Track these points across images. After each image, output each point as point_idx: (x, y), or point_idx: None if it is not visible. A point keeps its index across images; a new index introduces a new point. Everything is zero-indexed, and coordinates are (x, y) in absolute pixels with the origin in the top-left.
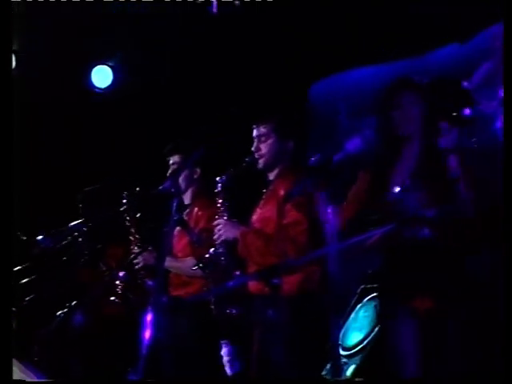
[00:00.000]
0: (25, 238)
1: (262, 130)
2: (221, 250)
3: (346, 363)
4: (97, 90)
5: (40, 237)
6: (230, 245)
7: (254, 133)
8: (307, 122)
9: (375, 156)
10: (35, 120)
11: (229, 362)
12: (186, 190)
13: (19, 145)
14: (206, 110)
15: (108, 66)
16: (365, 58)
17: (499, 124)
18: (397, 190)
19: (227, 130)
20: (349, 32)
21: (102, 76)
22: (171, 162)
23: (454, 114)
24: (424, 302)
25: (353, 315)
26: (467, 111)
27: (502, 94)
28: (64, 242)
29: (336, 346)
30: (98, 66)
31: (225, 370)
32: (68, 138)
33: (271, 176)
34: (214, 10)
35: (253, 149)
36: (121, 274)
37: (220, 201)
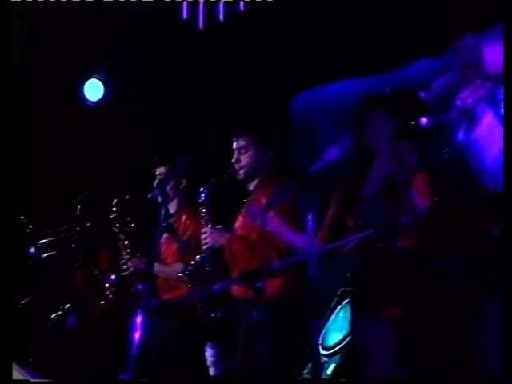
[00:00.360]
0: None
1: (242, 142)
2: (207, 257)
3: (326, 362)
4: (88, 103)
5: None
6: (216, 251)
7: (234, 145)
8: (289, 133)
9: (350, 166)
10: (31, 130)
11: (213, 363)
12: (172, 199)
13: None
14: (190, 121)
15: (99, 79)
16: (345, 71)
17: (459, 134)
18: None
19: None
20: (330, 46)
21: (93, 90)
22: (157, 172)
23: (412, 122)
24: (394, 309)
25: (333, 316)
26: (424, 120)
27: (459, 104)
28: (52, 252)
29: (316, 346)
30: (90, 80)
31: (209, 371)
32: (62, 147)
33: (251, 186)
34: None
35: (233, 160)
36: (112, 277)
37: (203, 210)
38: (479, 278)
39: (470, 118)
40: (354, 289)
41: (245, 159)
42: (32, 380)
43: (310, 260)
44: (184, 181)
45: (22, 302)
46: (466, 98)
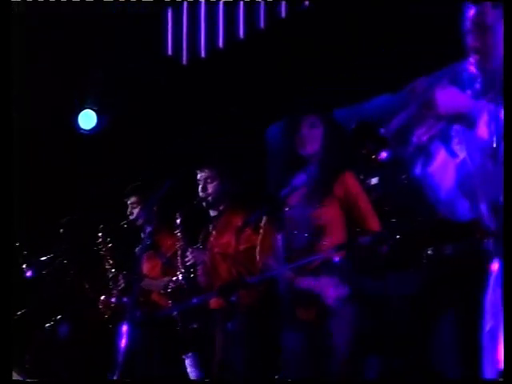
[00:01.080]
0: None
1: (208, 173)
2: (186, 276)
3: None
4: (82, 131)
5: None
6: (197, 267)
7: (199, 176)
8: (263, 161)
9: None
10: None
11: (191, 372)
12: (152, 221)
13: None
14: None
15: (93, 110)
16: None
17: (416, 168)
18: None
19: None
20: (298, 82)
21: (87, 119)
22: (129, 202)
23: (373, 156)
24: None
25: None
26: (384, 154)
27: (415, 141)
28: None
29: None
30: (84, 110)
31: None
32: (55, 172)
33: (214, 212)
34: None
35: (199, 189)
36: (102, 297)
37: (179, 231)
38: (433, 292)
39: (426, 153)
40: None
41: (210, 188)
42: (31, 380)
43: (280, 275)
44: (160, 206)
45: (19, 313)
46: (421, 135)
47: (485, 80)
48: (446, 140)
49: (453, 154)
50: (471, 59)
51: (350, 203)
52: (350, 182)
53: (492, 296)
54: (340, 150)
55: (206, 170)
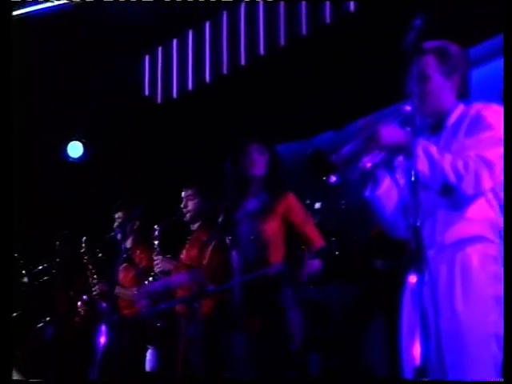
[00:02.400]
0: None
1: (190, 191)
2: (156, 284)
3: None
4: (70, 159)
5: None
6: (165, 275)
7: (183, 194)
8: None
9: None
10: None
11: (149, 360)
12: (129, 237)
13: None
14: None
15: (80, 141)
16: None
17: (366, 191)
18: None
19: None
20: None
21: (74, 149)
22: (116, 216)
23: (324, 178)
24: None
25: None
26: (333, 178)
27: (361, 167)
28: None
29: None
30: (72, 142)
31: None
32: (48, 193)
33: (193, 227)
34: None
35: (181, 205)
36: (84, 297)
37: (156, 243)
38: (365, 301)
39: (374, 180)
40: None
41: (191, 205)
42: (31, 380)
43: (234, 286)
44: (137, 222)
45: (14, 314)
46: (366, 162)
47: (422, 120)
48: (391, 169)
49: (396, 182)
50: (411, 102)
51: (290, 219)
52: (291, 200)
53: (408, 303)
54: (281, 174)
55: (189, 189)
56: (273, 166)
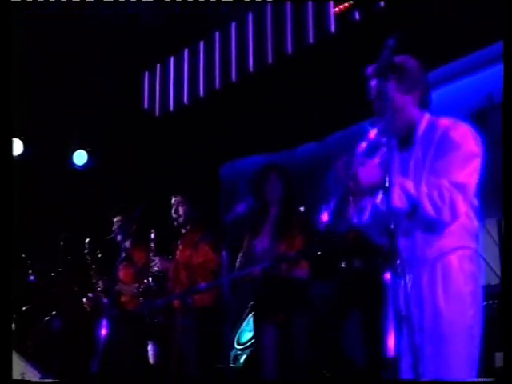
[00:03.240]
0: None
1: (179, 198)
2: (155, 280)
3: (240, 354)
4: (76, 167)
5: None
6: (162, 273)
7: (173, 200)
8: (217, 193)
9: (252, 215)
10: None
11: (152, 355)
12: (128, 238)
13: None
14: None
15: (85, 150)
16: (257, 148)
17: (352, 218)
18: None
19: None
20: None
21: (80, 157)
22: (115, 220)
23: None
24: (279, 317)
25: (246, 321)
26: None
27: (353, 220)
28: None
29: (231, 343)
30: (78, 151)
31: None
32: (54, 198)
33: (184, 230)
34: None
35: (172, 211)
36: (90, 294)
37: (152, 244)
38: (344, 296)
39: (359, 211)
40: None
41: (181, 211)
42: (32, 380)
43: (224, 284)
44: (135, 225)
45: (24, 308)
46: (352, 215)
47: (391, 137)
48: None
49: (376, 206)
50: (374, 126)
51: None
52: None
53: (384, 298)
54: (293, 196)
55: (179, 197)
56: (287, 191)
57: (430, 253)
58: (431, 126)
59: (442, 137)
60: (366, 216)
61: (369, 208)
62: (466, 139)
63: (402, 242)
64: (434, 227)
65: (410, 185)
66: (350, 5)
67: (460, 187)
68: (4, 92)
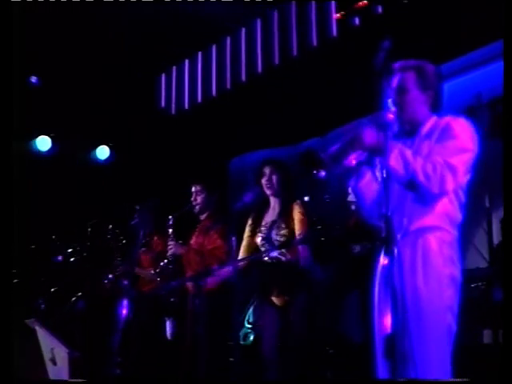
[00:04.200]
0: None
1: (198, 187)
2: (170, 263)
3: (250, 332)
4: (99, 161)
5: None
6: (176, 258)
7: (193, 189)
8: (228, 184)
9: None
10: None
11: (169, 330)
12: (147, 226)
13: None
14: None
15: (108, 145)
16: (264, 143)
17: (350, 182)
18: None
19: None
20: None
21: (102, 152)
22: (136, 208)
23: (315, 172)
24: (279, 298)
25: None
26: (322, 173)
27: (347, 164)
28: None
29: (241, 323)
30: (100, 146)
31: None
32: (80, 190)
33: (202, 217)
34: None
35: (192, 199)
36: (110, 276)
37: (170, 230)
38: (343, 279)
39: (357, 174)
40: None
41: (200, 199)
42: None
43: (233, 268)
44: (152, 214)
45: (52, 289)
46: (351, 160)
47: (399, 126)
48: (371, 166)
49: (375, 178)
50: (391, 110)
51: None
52: (295, 208)
53: (380, 280)
54: (291, 187)
55: (198, 185)
56: (283, 184)
57: (413, 225)
58: (435, 125)
59: (442, 128)
60: (362, 183)
61: (366, 178)
62: (464, 133)
63: (394, 214)
64: (422, 198)
65: (408, 152)
66: (352, 9)
67: (452, 168)
68: (6, 93)
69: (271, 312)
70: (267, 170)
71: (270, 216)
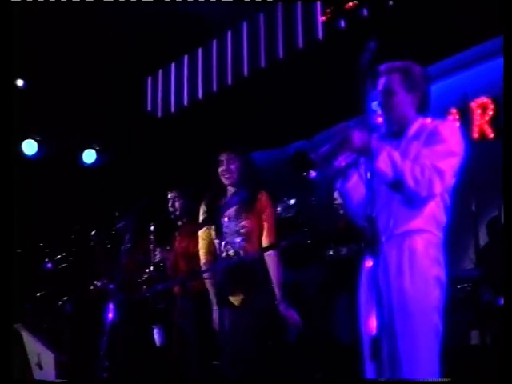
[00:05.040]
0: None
1: (174, 193)
2: (156, 269)
3: None
4: (85, 164)
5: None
6: (163, 263)
7: (169, 196)
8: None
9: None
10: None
11: (157, 338)
12: (131, 230)
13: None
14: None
15: (94, 149)
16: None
17: (337, 184)
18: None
19: None
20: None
21: (89, 156)
22: (117, 214)
23: (304, 174)
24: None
25: None
26: (313, 174)
27: (336, 165)
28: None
29: None
30: (87, 150)
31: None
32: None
33: (182, 222)
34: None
35: (169, 205)
36: (98, 283)
37: (152, 236)
38: (333, 279)
39: (344, 175)
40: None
41: (178, 205)
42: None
43: (218, 269)
44: (135, 219)
45: (38, 294)
46: (340, 161)
47: (387, 128)
48: (358, 166)
49: (362, 179)
50: (378, 112)
51: (260, 216)
52: (262, 200)
53: (364, 282)
54: (253, 177)
55: (174, 192)
56: (243, 173)
57: (399, 228)
58: (422, 127)
59: (430, 131)
60: (349, 184)
61: (354, 179)
62: (452, 137)
63: (379, 216)
64: (408, 201)
65: (396, 155)
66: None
67: (439, 172)
68: (6, 94)
69: (228, 313)
70: (223, 158)
71: (228, 206)
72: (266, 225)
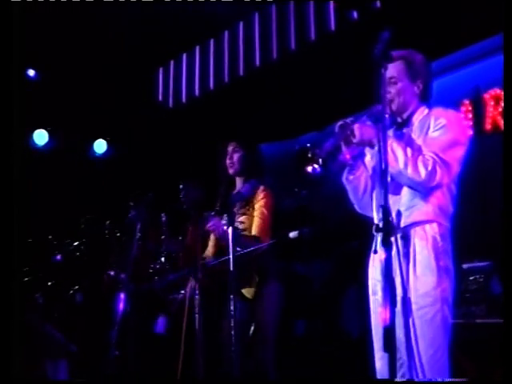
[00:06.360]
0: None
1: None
2: (166, 260)
3: None
4: (96, 155)
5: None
6: (175, 253)
7: (181, 186)
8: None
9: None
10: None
11: (159, 326)
12: (143, 220)
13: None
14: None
15: (105, 139)
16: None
17: (342, 176)
18: None
19: None
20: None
21: (99, 146)
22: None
23: (310, 168)
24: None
25: None
26: (318, 169)
27: (342, 159)
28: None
29: None
30: (98, 140)
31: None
32: (75, 185)
33: (193, 213)
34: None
35: (181, 196)
36: (111, 272)
37: (164, 227)
38: (341, 273)
39: (350, 167)
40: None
41: (191, 196)
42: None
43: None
44: (146, 210)
45: (49, 283)
46: (345, 154)
47: (390, 117)
48: (363, 159)
49: (367, 170)
50: (384, 103)
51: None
52: (260, 195)
53: (374, 274)
54: (257, 168)
55: (187, 182)
56: (247, 163)
57: (408, 219)
58: (426, 116)
59: (435, 121)
60: (355, 175)
61: (359, 171)
62: (456, 126)
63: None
64: (414, 192)
65: (401, 146)
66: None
67: (445, 163)
68: (6, 89)
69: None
70: (230, 149)
71: (232, 200)
72: (256, 219)
